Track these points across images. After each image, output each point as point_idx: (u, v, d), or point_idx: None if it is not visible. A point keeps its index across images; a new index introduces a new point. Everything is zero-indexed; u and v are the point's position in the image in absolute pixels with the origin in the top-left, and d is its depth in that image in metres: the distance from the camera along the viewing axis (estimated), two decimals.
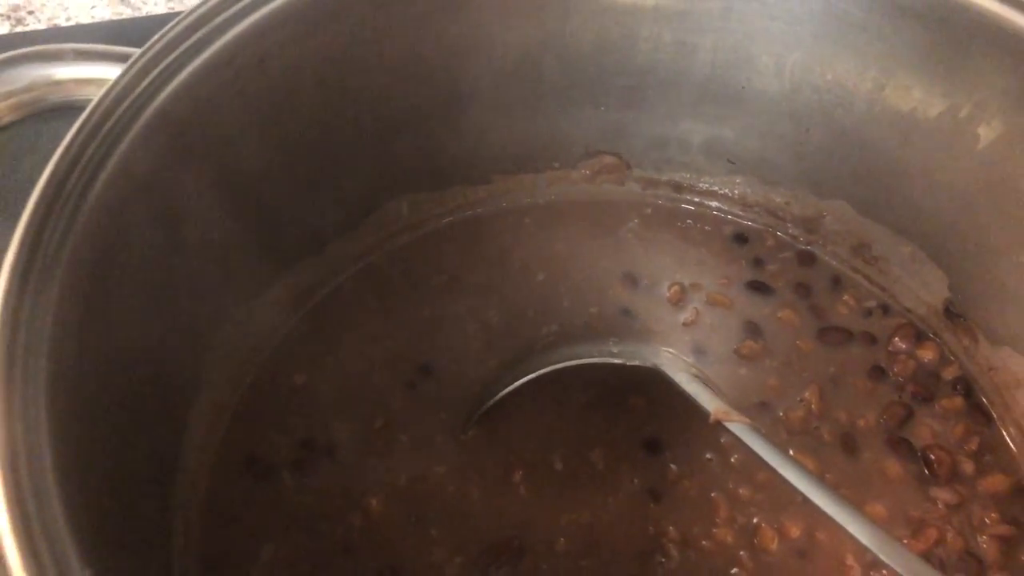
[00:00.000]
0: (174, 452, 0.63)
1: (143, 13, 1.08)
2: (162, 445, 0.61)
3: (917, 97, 0.67)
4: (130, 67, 0.52)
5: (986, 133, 0.64)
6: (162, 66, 0.54)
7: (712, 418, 0.61)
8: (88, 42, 0.59)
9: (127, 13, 1.08)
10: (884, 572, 0.62)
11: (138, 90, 0.52)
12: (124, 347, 0.53)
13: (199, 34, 0.55)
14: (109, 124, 0.50)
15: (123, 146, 0.50)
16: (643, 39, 0.72)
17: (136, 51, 0.53)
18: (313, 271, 0.75)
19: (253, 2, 0.58)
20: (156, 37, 0.54)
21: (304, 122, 0.66)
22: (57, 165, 0.48)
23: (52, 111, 0.61)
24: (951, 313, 0.73)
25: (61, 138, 0.50)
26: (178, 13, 0.56)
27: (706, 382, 0.68)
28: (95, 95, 0.51)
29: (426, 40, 0.68)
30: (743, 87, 0.73)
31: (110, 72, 0.55)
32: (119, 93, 0.51)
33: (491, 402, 0.68)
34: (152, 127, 0.52)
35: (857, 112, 0.70)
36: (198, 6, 0.57)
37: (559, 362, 0.68)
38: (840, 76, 0.69)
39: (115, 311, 0.52)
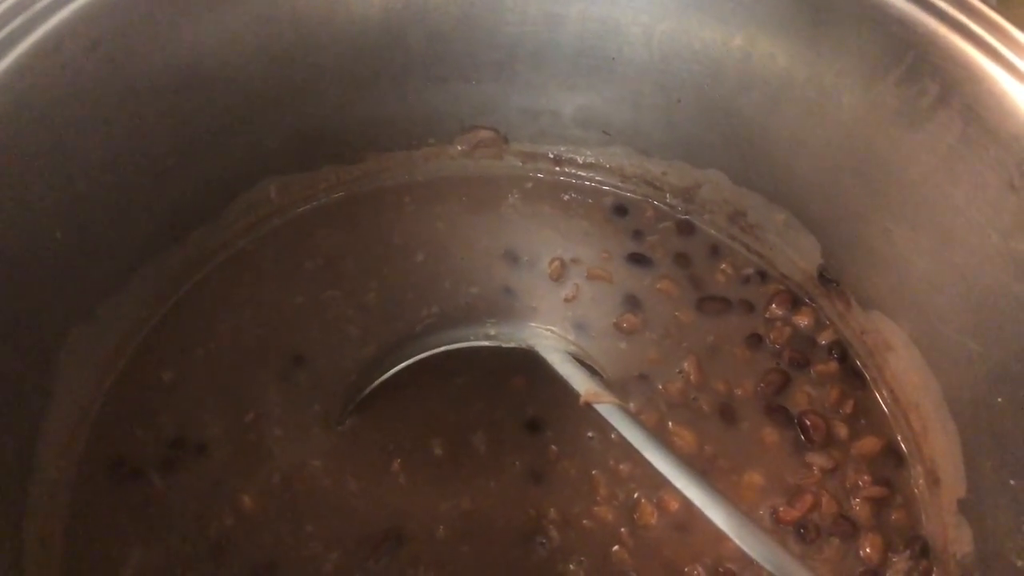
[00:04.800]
0: (26, 463, 0.60)
1: None
2: (9, 454, 0.58)
3: (782, 65, 0.66)
4: None
5: (848, 100, 0.64)
6: None
7: (582, 400, 0.60)
8: None
9: None
10: None
11: None
12: None
13: (19, 20, 0.51)
14: None
15: None
16: (508, 10, 0.70)
17: None
18: (176, 261, 0.71)
19: None
20: None
21: (150, 108, 0.62)
22: None
23: None
24: (825, 279, 0.74)
25: None
26: None
27: (583, 360, 0.67)
28: None
29: (279, 15, 0.65)
30: (613, 58, 0.72)
31: None
32: None
33: (367, 391, 0.66)
34: None
35: (725, 81, 0.69)
36: None
37: (436, 347, 0.67)
38: (707, 46, 0.68)
39: None
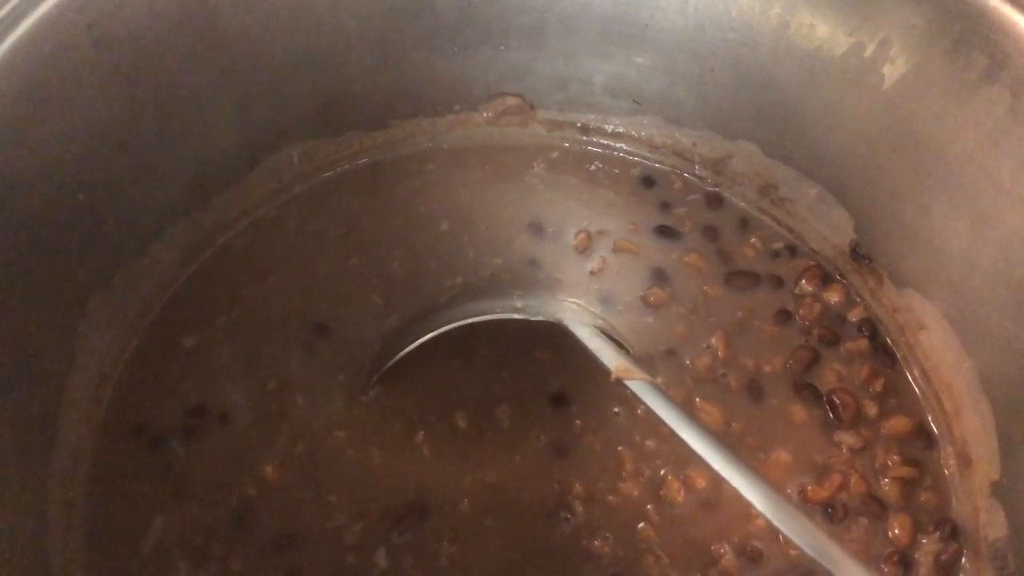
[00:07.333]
0: (50, 426, 0.59)
1: None
2: (33, 420, 0.57)
3: (822, 36, 0.65)
4: None
5: (890, 72, 0.62)
6: None
7: (613, 376, 0.59)
8: None
9: None
10: None
11: None
12: None
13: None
14: None
15: None
16: None
17: None
18: (198, 227, 0.70)
19: None
20: None
21: (175, 70, 0.61)
22: None
23: None
24: (857, 255, 0.72)
25: None
26: None
27: (611, 334, 0.66)
28: None
29: None
30: (646, 24, 0.70)
31: None
32: None
33: (392, 361, 0.66)
34: None
35: (762, 51, 0.68)
36: None
37: (462, 319, 0.66)
38: (744, 13, 0.66)
39: None
